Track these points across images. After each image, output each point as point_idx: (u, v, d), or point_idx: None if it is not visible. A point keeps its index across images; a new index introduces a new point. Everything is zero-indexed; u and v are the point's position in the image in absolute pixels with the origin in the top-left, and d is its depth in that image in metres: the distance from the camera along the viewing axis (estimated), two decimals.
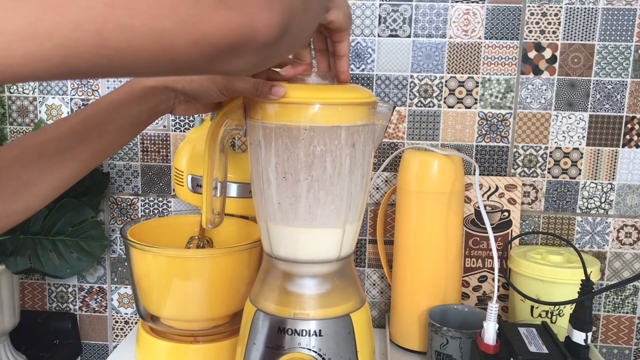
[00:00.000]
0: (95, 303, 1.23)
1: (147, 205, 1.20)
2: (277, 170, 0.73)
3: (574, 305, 0.83)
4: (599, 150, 1.12)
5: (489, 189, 1.11)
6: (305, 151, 0.71)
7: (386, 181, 1.15)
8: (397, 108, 1.13)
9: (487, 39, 1.10)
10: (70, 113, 1.17)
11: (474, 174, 1.13)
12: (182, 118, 1.16)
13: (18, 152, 0.65)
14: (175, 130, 1.17)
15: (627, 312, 1.15)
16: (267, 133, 0.73)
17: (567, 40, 1.09)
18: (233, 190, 0.96)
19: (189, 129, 1.16)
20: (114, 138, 0.70)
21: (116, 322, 1.24)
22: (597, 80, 1.10)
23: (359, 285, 0.82)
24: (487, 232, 1.11)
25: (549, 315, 0.97)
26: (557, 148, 1.12)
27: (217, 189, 0.82)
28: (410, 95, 1.12)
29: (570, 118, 1.11)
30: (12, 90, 1.18)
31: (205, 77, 0.72)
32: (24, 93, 1.17)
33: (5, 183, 0.64)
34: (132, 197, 1.20)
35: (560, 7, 1.08)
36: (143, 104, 0.71)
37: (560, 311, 0.97)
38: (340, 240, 0.76)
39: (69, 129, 0.67)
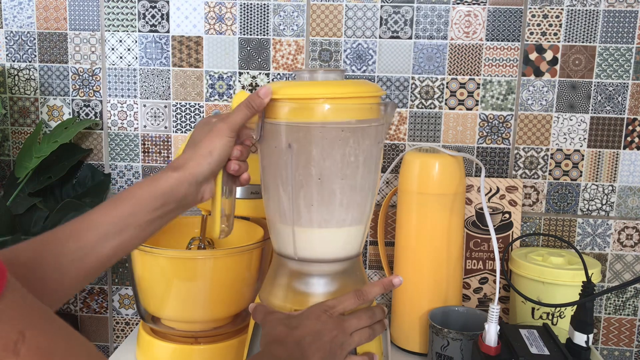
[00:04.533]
0: (96, 304, 1.23)
1: None
2: (286, 170, 0.73)
3: (575, 307, 0.83)
4: (600, 152, 1.12)
5: (490, 190, 1.11)
6: (316, 150, 0.71)
7: (387, 183, 1.15)
8: (398, 110, 1.13)
9: (488, 40, 1.10)
10: (71, 114, 1.17)
11: (475, 176, 1.13)
12: (182, 119, 1.16)
13: (38, 249, 0.61)
14: (176, 132, 1.17)
15: (628, 314, 1.15)
16: (280, 133, 0.72)
17: (569, 42, 1.09)
18: (236, 191, 0.96)
19: (190, 129, 1.16)
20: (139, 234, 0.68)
21: (117, 323, 1.24)
22: (598, 82, 1.10)
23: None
24: (487, 234, 1.11)
25: (550, 317, 0.97)
26: (558, 150, 1.12)
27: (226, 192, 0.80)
28: (411, 96, 1.12)
29: (571, 120, 1.11)
30: (13, 91, 1.18)
31: (208, 144, 0.70)
32: (26, 94, 1.18)
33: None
34: None
35: (562, 9, 1.08)
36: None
37: (561, 313, 0.97)
38: (349, 239, 0.76)
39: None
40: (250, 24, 1.13)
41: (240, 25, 1.13)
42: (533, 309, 0.98)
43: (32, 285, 0.58)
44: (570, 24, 1.09)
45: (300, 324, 0.69)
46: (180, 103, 1.16)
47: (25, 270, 0.58)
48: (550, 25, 1.09)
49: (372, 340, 0.74)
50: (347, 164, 0.72)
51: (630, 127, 1.11)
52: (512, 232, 1.11)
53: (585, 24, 1.08)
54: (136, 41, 1.14)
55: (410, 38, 1.11)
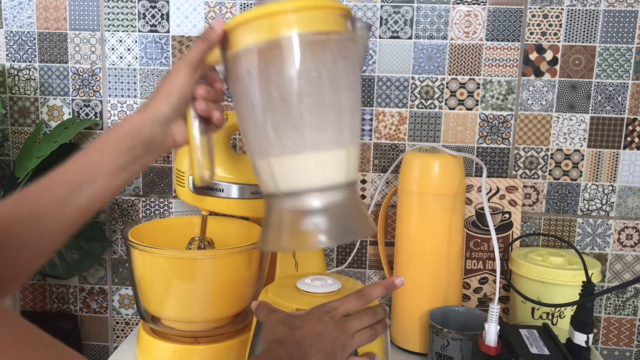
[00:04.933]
0: (96, 304, 1.23)
1: (148, 206, 1.20)
2: (251, 99, 0.70)
3: (575, 307, 0.83)
4: (600, 152, 1.12)
5: (490, 190, 1.11)
6: (273, 70, 0.68)
7: (387, 183, 1.15)
8: (398, 110, 1.13)
9: (488, 40, 1.10)
10: (71, 114, 1.17)
11: (475, 176, 1.13)
12: None
13: (12, 209, 0.61)
14: None
15: (628, 314, 1.15)
16: (239, 62, 0.70)
17: (569, 42, 1.09)
18: (234, 191, 0.96)
19: None
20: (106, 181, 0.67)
21: (117, 323, 1.24)
22: (598, 82, 1.10)
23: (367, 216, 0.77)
24: (487, 234, 1.11)
25: (550, 317, 0.97)
26: (558, 150, 1.12)
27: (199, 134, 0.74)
28: (411, 96, 1.12)
29: (571, 120, 1.11)
30: (13, 91, 1.18)
31: (167, 83, 0.70)
32: (26, 94, 1.18)
33: None
34: (133, 198, 1.20)
35: (562, 9, 1.08)
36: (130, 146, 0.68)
37: (561, 313, 0.97)
38: (329, 164, 0.72)
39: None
40: None
41: None
42: (533, 309, 0.98)
43: (13, 244, 0.59)
44: (570, 24, 1.09)
45: (302, 324, 0.69)
46: None
47: (3, 229, 0.59)
48: (550, 25, 1.09)
49: (374, 341, 0.74)
50: (310, 81, 0.68)
51: (630, 127, 1.11)
52: (512, 232, 1.11)
53: (585, 24, 1.08)
54: (136, 41, 1.14)
55: (410, 38, 1.11)
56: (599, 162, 1.12)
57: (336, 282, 0.82)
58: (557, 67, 1.10)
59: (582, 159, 1.12)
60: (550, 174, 1.13)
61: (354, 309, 0.72)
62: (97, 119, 1.18)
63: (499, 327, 0.81)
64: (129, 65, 1.15)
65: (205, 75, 0.73)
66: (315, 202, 0.71)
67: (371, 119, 1.13)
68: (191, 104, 0.72)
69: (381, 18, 1.11)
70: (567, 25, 1.09)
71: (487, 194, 1.11)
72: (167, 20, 1.13)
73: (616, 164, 1.12)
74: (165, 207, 1.20)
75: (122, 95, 1.16)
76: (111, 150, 0.66)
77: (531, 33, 1.09)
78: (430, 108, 1.13)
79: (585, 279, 0.83)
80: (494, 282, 1.11)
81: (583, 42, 1.09)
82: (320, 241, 0.71)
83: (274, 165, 0.71)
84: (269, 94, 0.69)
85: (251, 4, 1.12)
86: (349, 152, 0.72)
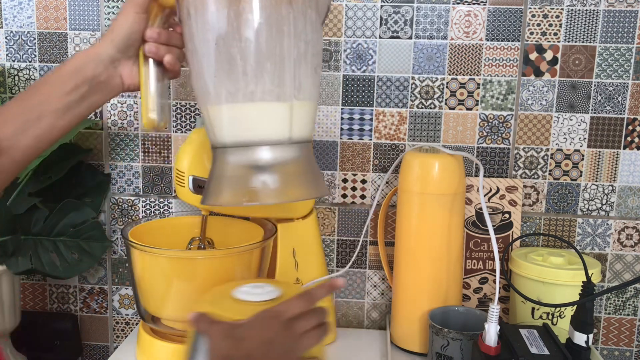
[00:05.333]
0: (96, 304, 1.23)
1: (148, 206, 1.20)
2: (192, 43, 0.68)
3: (575, 307, 0.83)
4: (600, 152, 1.12)
5: (490, 190, 1.11)
6: (209, 11, 0.66)
7: (387, 183, 1.15)
8: (398, 110, 1.13)
9: (488, 40, 1.10)
10: None
11: (475, 176, 1.13)
12: (182, 119, 1.16)
13: None
14: (176, 132, 1.17)
15: (628, 314, 1.15)
16: (183, 4, 0.68)
17: (569, 42, 1.09)
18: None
19: (190, 129, 1.16)
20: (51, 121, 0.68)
21: (117, 323, 1.24)
22: (598, 82, 1.10)
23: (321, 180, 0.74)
24: (487, 234, 1.11)
25: (550, 317, 0.97)
26: (558, 150, 1.12)
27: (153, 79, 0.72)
28: (411, 96, 1.12)
29: (571, 120, 1.11)
30: (13, 91, 1.18)
31: (113, 24, 0.70)
32: None
33: None
34: (133, 198, 1.20)
35: (562, 9, 1.08)
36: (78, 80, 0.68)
37: (561, 313, 0.97)
38: (267, 117, 0.68)
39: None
40: None
41: None
42: (533, 309, 0.98)
43: None
44: (570, 24, 1.09)
45: (248, 334, 0.64)
46: (180, 103, 1.16)
47: None
48: (550, 25, 1.09)
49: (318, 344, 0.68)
50: (245, 24, 0.65)
51: (630, 127, 1.11)
52: (512, 232, 1.11)
53: (585, 24, 1.08)
54: None
55: (410, 38, 1.11)
56: (599, 162, 1.12)
57: (276, 289, 0.75)
58: (557, 67, 1.10)
59: (582, 159, 1.12)
60: (550, 174, 1.13)
61: (300, 312, 0.67)
62: (97, 119, 1.18)
63: (499, 327, 0.81)
64: None
65: (167, 20, 0.73)
66: (254, 157, 0.68)
67: (371, 119, 1.13)
68: (142, 45, 0.71)
69: (381, 18, 1.11)
70: (567, 25, 1.09)
71: (487, 194, 1.10)
72: None
73: (616, 164, 1.12)
74: (165, 207, 1.20)
75: (122, 95, 1.16)
76: (56, 90, 0.67)
77: (531, 33, 1.09)
78: (430, 108, 1.13)
79: (585, 279, 0.83)
80: (494, 282, 1.11)
81: (583, 42, 1.09)
82: (257, 197, 0.67)
83: (211, 114, 0.69)
84: (204, 37, 0.67)
85: None
86: (293, 107, 0.68)
